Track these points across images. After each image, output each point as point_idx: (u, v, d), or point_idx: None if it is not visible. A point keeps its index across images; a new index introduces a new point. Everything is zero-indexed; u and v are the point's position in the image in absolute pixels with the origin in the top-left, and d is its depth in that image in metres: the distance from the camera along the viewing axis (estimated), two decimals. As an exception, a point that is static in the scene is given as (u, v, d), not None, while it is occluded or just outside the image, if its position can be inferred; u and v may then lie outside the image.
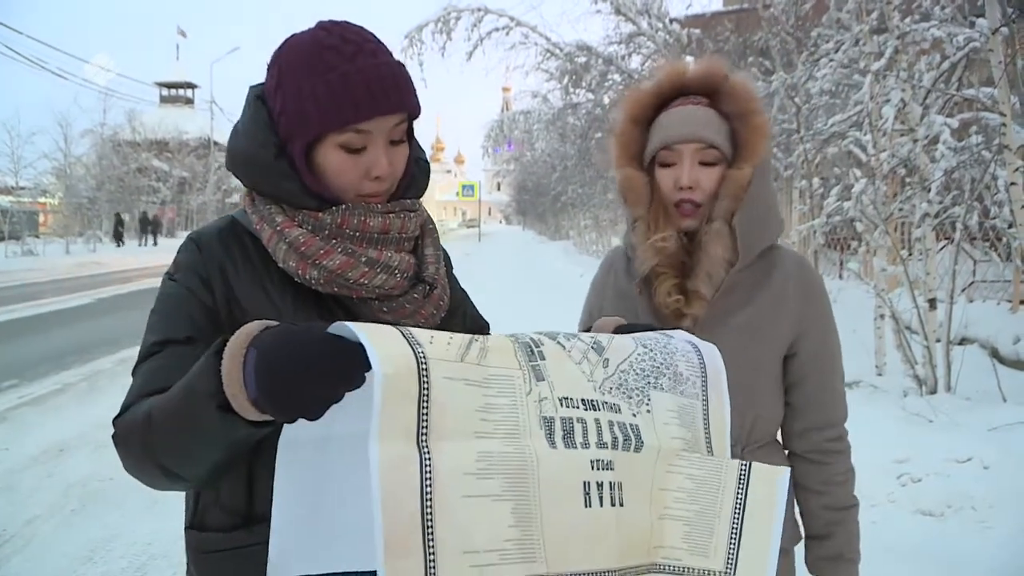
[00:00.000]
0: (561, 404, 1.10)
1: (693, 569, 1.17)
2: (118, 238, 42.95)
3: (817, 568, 1.87)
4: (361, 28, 1.37)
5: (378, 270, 1.33)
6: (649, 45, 13.47)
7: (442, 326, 1.37)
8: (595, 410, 1.13)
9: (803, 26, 10.52)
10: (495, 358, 1.09)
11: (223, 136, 58.35)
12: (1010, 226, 6.06)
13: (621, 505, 1.10)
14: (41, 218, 45.36)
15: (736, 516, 1.19)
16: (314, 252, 1.31)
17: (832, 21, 9.19)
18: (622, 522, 1.10)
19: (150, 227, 46.71)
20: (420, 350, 1.02)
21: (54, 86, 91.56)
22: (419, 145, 1.48)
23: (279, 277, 1.35)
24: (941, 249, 7.99)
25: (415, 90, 1.37)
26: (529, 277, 21.27)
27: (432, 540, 0.96)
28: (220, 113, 51.82)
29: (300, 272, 1.31)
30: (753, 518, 1.19)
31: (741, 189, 1.76)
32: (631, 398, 1.19)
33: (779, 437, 1.92)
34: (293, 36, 1.37)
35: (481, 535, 0.99)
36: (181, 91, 66.95)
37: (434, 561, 0.95)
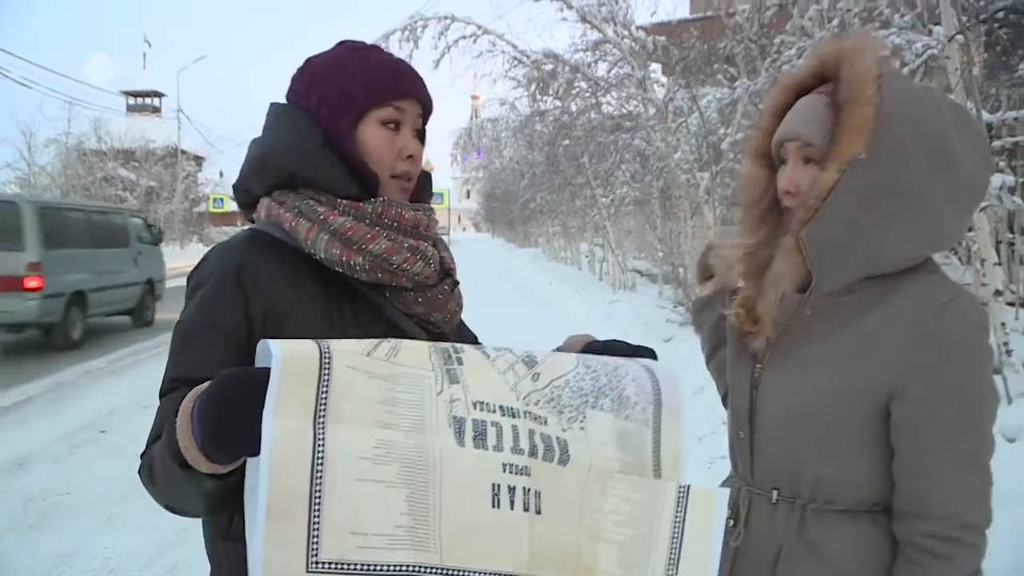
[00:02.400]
0: (475, 407, 1.12)
1: None
2: None
3: None
4: None
5: (418, 257, 1.41)
6: (615, 52, 13.50)
7: (457, 327, 1.54)
8: (514, 417, 1.14)
9: (767, 33, 10.60)
10: (406, 357, 1.13)
11: (190, 145, 58.03)
12: (969, 229, 6.14)
13: (538, 512, 1.10)
14: (5, 228, 44.65)
15: (675, 539, 1.18)
16: (361, 237, 1.37)
17: (795, 28, 9.27)
18: (537, 530, 1.09)
19: None
20: (325, 344, 1.07)
21: (18, 94, 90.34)
22: None
23: (311, 277, 1.39)
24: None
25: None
26: (499, 284, 21.27)
27: (318, 514, 0.99)
28: (187, 122, 51.50)
29: (344, 259, 1.36)
30: (692, 541, 1.18)
31: (818, 197, 1.46)
32: (562, 413, 1.19)
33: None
34: (315, 54, 1.52)
35: (371, 518, 1.01)
36: (148, 100, 66.40)
37: (317, 534, 0.99)
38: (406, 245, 1.40)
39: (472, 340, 1.64)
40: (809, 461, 1.52)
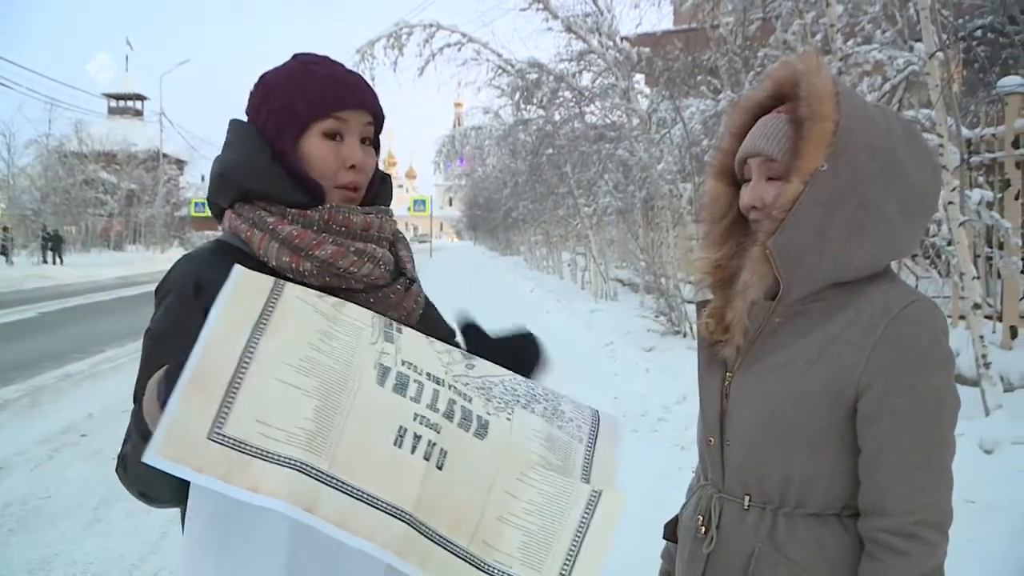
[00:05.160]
0: (402, 364, 1.23)
1: None
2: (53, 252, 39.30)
3: None
4: None
5: (365, 259, 1.45)
6: (599, 63, 13.57)
7: (420, 323, 1.53)
8: (438, 384, 1.25)
9: (750, 46, 10.69)
10: (350, 311, 1.26)
11: (172, 148, 57.77)
12: (948, 243, 6.21)
13: (439, 468, 1.18)
14: (-18, 230, 44.32)
15: (576, 538, 1.23)
16: (307, 244, 1.42)
17: (779, 42, 9.35)
18: (433, 480, 1.17)
19: (50, 243, 39.84)
20: (279, 280, 1.23)
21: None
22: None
23: None
24: (884, 266, 8.14)
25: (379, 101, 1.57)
26: (481, 292, 21.25)
27: (233, 396, 1.11)
28: (169, 125, 51.20)
29: (293, 266, 1.41)
30: (591, 543, 1.23)
31: (783, 208, 1.52)
32: (489, 401, 1.29)
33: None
34: (269, 70, 1.57)
35: (277, 414, 1.12)
36: (130, 103, 66.07)
37: (227, 412, 1.10)
38: (352, 249, 1.45)
39: (449, 333, 1.70)
40: (778, 465, 1.56)
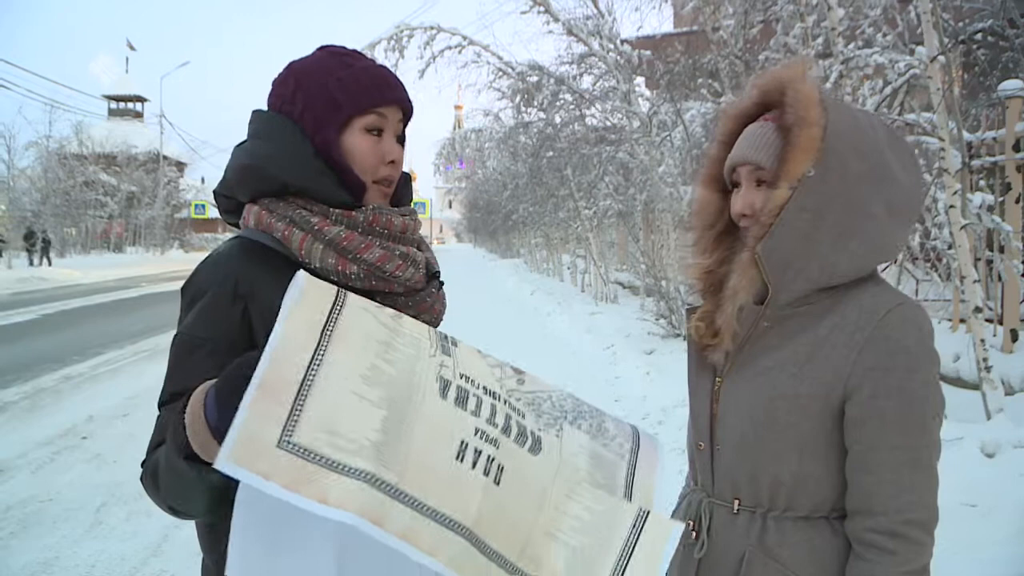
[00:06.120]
0: (461, 377, 1.21)
1: None
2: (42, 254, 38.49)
3: None
4: None
5: (408, 263, 1.46)
6: (600, 65, 13.57)
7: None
8: (494, 399, 1.23)
9: (751, 49, 10.68)
10: (408, 323, 1.23)
11: (172, 150, 57.78)
12: (949, 247, 6.21)
13: (496, 484, 1.17)
14: (-18, 231, 44.23)
15: (622, 558, 1.23)
16: (355, 247, 1.40)
17: (779, 45, 9.35)
18: (491, 496, 1.16)
19: (38, 245, 38.84)
20: (342, 290, 1.20)
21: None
22: None
23: None
24: (885, 269, 8.15)
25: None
26: (481, 294, 21.27)
27: (303, 404, 1.08)
28: (169, 127, 51.20)
29: (340, 268, 1.40)
30: (638, 563, 1.23)
31: (771, 214, 1.54)
32: (540, 417, 1.28)
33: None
34: (297, 59, 1.54)
35: (347, 424, 1.10)
36: (130, 104, 66.06)
37: (297, 419, 1.07)
38: (398, 252, 1.44)
39: None
40: (768, 468, 1.57)
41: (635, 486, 1.31)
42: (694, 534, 1.67)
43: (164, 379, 1.38)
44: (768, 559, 1.56)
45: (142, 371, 10.39)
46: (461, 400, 1.19)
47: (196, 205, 52.51)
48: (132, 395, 8.69)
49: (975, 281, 5.73)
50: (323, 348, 1.12)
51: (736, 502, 1.62)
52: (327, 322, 1.14)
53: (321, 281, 1.18)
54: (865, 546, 1.49)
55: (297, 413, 1.08)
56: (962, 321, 8.68)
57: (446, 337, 1.27)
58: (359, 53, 1.54)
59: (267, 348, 1.10)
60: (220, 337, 1.34)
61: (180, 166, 62.01)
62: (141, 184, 53.71)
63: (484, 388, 1.23)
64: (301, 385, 1.09)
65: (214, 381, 1.17)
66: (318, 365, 1.11)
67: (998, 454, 4.99)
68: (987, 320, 6.67)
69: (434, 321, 1.54)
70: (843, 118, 1.53)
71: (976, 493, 4.54)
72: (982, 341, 5.58)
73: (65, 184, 46.99)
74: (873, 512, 1.49)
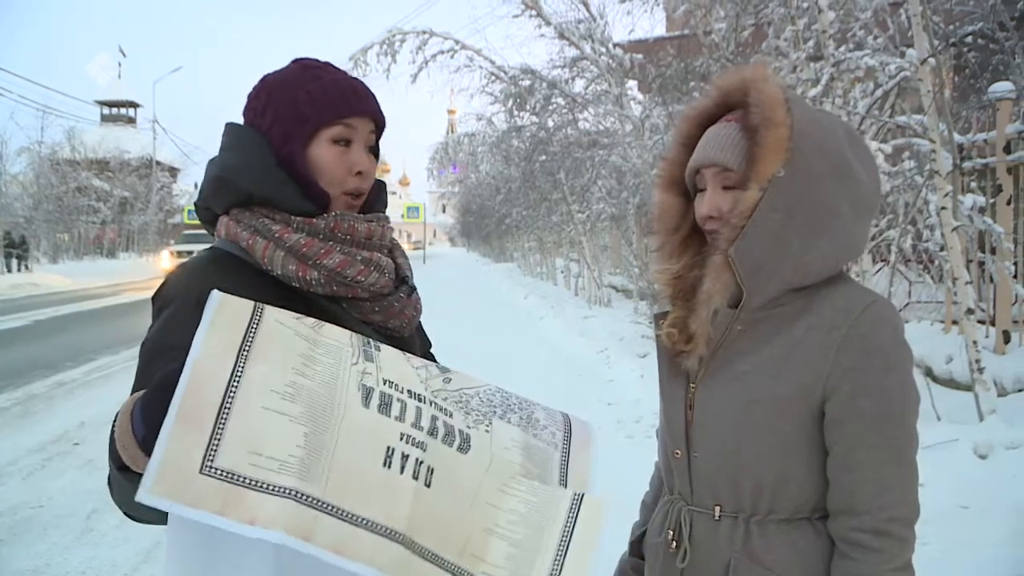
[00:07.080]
0: (384, 383, 1.22)
1: None
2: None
3: None
4: None
5: (372, 268, 1.45)
6: (592, 69, 13.61)
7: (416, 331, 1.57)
8: (420, 401, 1.24)
9: (743, 52, 10.70)
10: (329, 332, 1.24)
11: (165, 156, 57.65)
12: (941, 249, 6.22)
13: (427, 486, 1.18)
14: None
15: (562, 544, 1.24)
16: (315, 252, 1.41)
17: (771, 48, 9.36)
18: (422, 499, 1.17)
19: (15, 251, 36.87)
20: (259, 304, 1.20)
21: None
22: None
23: (271, 293, 1.39)
24: (878, 271, 8.17)
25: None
26: (474, 298, 21.27)
27: (223, 427, 1.09)
28: (162, 132, 51.14)
29: (300, 274, 1.41)
30: (577, 546, 1.24)
31: (742, 215, 1.53)
32: (468, 415, 1.29)
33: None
34: (270, 72, 1.55)
35: (269, 443, 1.10)
36: (123, 110, 65.93)
37: (218, 444, 1.08)
38: (359, 257, 1.45)
39: (427, 345, 1.72)
40: (749, 472, 1.55)
41: (569, 472, 1.33)
42: (675, 544, 1.63)
43: (132, 385, 1.39)
44: (754, 564, 1.54)
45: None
46: (385, 406, 1.19)
47: (189, 211, 52.28)
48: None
49: (967, 283, 5.74)
50: (240, 367, 1.13)
51: (717, 508, 1.59)
52: (243, 340, 1.15)
53: (236, 298, 1.19)
54: (850, 545, 1.49)
55: (218, 437, 1.09)
56: (955, 323, 8.70)
57: (369, 342, 1.28)
58: (332, 66, 1.56)
59: (184, 372, 1.10)
60: (184, 345, 1.33)
61: (173, 171, 61.85)
62: (134, 189, 53.53)
63: (408, 391, 1.24)
64: (220, 407, 1.10)
65: (142, 393, 1.18)
66: (236, 385, 1.11)
67: (991, 455, 5.00)
68: (979, 321, 6.69)
69: (406, 326, 1.54)
70: (807, 118, 1.54)
71: (969, 495, 4.55)
72: (975, 343, 5.60)
73: (57, 190, 46.81)
74: (856, 511, 1.49)
